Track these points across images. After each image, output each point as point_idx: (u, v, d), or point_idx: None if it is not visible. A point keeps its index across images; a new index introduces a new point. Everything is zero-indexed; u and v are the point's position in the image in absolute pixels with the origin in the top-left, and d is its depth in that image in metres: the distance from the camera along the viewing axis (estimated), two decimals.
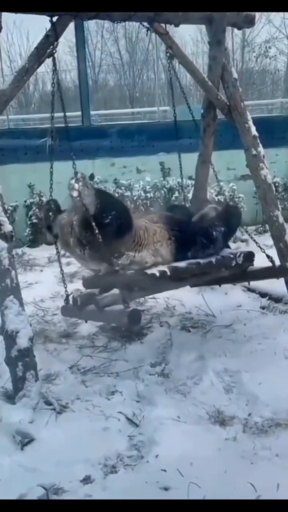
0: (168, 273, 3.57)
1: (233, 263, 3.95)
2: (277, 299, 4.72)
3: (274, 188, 4.64)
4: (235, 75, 4.52)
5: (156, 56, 9.89)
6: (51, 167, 3.77)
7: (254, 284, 4.99)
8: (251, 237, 4.32)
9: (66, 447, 2.77)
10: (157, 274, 3.53)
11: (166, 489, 2.46)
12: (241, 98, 4.54)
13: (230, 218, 4.15)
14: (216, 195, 6.84)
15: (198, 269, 3.77)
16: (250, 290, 5.00)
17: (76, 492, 2.46)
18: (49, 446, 2.79)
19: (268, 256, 4.15)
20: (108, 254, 3.49)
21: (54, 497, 1.96)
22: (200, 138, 4.73)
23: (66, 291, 3.71)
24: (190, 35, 15.36)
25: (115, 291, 3.51)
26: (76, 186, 3.43)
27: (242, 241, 6.89)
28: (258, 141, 4.51)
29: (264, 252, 4.15)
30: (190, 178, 5.28)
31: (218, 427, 2.96)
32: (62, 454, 2.71)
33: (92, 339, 4.19)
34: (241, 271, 4.10)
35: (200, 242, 3.86)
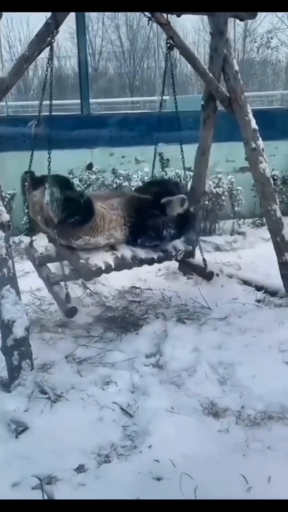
0: (113, 266, 3.96)
1: (173, 259, 4.47)
2: (273, 293, 4.74)
3: (272, 182, 4.64)
4: (237, 67, 4.49)
5: (157, 44, 9.81)
6: (32, 155, 4.07)
7: (250, 277, 5.03)
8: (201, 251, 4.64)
9: (60, 436, 2.80)
10: (103, 267, 3.90)
11: (158, 479, 2.49)
12: (242, 91, 4.51)
13: (183, 224, 4.35)
14: (215, 187, 6.83)
15: (139, 263, 4.16)
16: (246, 283, 5.01)
17: (70, 481, 2.49)
18: (44, 435, 2.81)
19: (204, 260, 4.63)
20: (68, 236, 3.91)
21: (48, 487, 1.98)
22: (199, 129, 4.71)
23: (31, 238, 4.62)
24: (192, 24, 15.25)
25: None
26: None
27: (239, 233, 6.90)
28: (258, 134, 4.50)
29: (202, 255, 4.61)
30: (189, 169, 5.26)
31: (212, 418, 2.99)
32: (56, 443, 2.74)
33: (88, 329, 4.20)
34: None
35: (150, 235, 4.17)
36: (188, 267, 4.94)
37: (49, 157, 3.89)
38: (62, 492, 2.38)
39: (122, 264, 4.05)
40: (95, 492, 2.41)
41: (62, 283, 4.07)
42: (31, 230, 7.03)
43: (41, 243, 6.50)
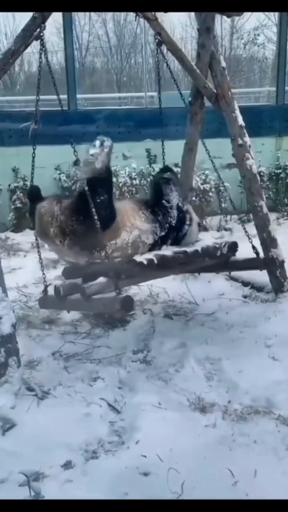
0: (155, 261, 3.58)
1: (218, 252, 4.01)
2: (259, 288, 4.77)
3: (259, 178, 4.66)
4: (224, 64, 4.50)
5: (144, 40, 9.76)
6: (34, 152, 3.75)
7: (236, 273, 5.05)
8: (243, 228, 4.29)
9: (47, 432, 2.79)
10: (145, 262, 3.53)
11: (145, 474, 2.51)
12: (229, 87, 4.52)
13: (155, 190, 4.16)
14: (202, 184, 6.84)
15: (184, 257, 3.80)
16: (233, 279, 5.04)
17: (57, 477, 2.49)
18: (31, 432, 2.81)
19: (253, 247, 4.19)
20: (90, 246, 3.49)
21: (35, 484, 1.97)
22: (187, 125, 4.71)
23: (44, 281, 3.69)
24: (179, 20, 15.17)
25: (100, 279, 3.48)
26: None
27: (226, 229, 6.93)
28: (245, 131, 4.51)
29: (251, 242, 4.18)
30: (176, 165, 5.26)
31: (198, 413, 3.00)
32: (43, 439, 2.73)
33: (75, 326, 4.20)
34: (224, 261, 4.14)
35: (160, 212, 3.95)
36: (235, 267, 4.30)
37: (34, 153, 3.79)
38: (49, 489, 2.38)
39: (164, 259, 3.67)
40: (82, 488, 2.42)
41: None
42: (18, 226, 7.01)
43: (29, 239, 6.51)
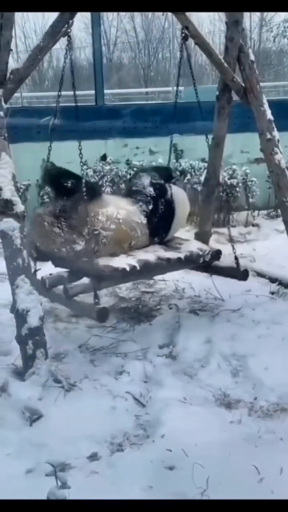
0: (138, 268, 3.72)
1: (201, 260, 4.15)
2: (287, 285, 4.71)
3: (287, 173, 4.59)
4: (252, 57, 4.45)
5: (172, 34, 9.72)
6: (50, 146, 3.90)
7: (264, 269, 5.00)
8: (229, 231, 4.50)
9: (73, 424, 2.83)
10: (127, 268, 3.66)
11: (171, 468, 2.51)
12: (257, 81, 4.47)
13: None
14: (229, 179, 6.78)
15: (167, 264, 3.95)
16: (260, 275, 4.99)
17: (83, 469, 2.53)
18: (57, 423, 2.85)
19: (236, 258, 4.24)
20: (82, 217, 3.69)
21: (61, 474, 2.00)
22: (214, 120, 4.68)
23: (34, 267, 3.83)
24: (207, 13, 15.01)
25: (83, 280, 3.73)
26: None
27: (254, 225, 6.86)
28: (273, 125, 4.46)
29: (234, 253, 4.23)
30: (203, 160, 5.23)
31: (224, 409, 3.00)
32: (69, 431, 2.77)
33: None
34: (207, 265, 4.28)
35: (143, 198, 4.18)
36: (215, 272, 4.44)
37: (50, 147, 3.90)
38: (75, 480, 2.40)
39: (147, 266, 3.80)
40: (107, 480, 2.44)
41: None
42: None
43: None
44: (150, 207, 4.13)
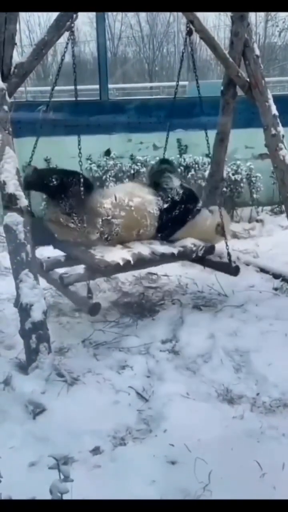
0: (132, 262, 3.80)
1: (194, 255, 4.23)
2: None
3: None
4: (257, 52, 4.43)
5: (177, 29, 9.69)
6: (36, 143, 4.08)
7: (268, 265, 4.99)
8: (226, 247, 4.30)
9: (76, 418, 2.84)
10: (121, 263, 3.74)
11: (173, 463, 2.53)
12: (262, 76, 4.45)
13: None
14: (233, 174, 6.77)
15: (160, 259, 4.04)
16: (264, 271, 4.98)
17: (86, 462, 2.54)
18: (60, 417, 2.86)
19: (229, 254, 4.22)
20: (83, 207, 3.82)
21: (64, 467, 2.01)
22: (219, 115, 4.67)
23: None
24: None
25: (80, 269, 3.93)
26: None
27: (258, 221, 6.84)
28: (278, 120, 4.45)
29: (227, 249, 4.19)
30: (207, 155, 5.22)
31: (226, 405, 3.00)
32: (72, 424, 2.78)
33: (104, 314, 4.23)
34: (200, 258, 4.34)
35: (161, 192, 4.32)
36: (209, 265, 4.54)
37: (35, 144, 4.10)
38: (78, 473, 2.42)
39: (141, 260, 3.89)
40: (110, 474, 2.46)
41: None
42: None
43: None
44: (167, 205, 4.22)
